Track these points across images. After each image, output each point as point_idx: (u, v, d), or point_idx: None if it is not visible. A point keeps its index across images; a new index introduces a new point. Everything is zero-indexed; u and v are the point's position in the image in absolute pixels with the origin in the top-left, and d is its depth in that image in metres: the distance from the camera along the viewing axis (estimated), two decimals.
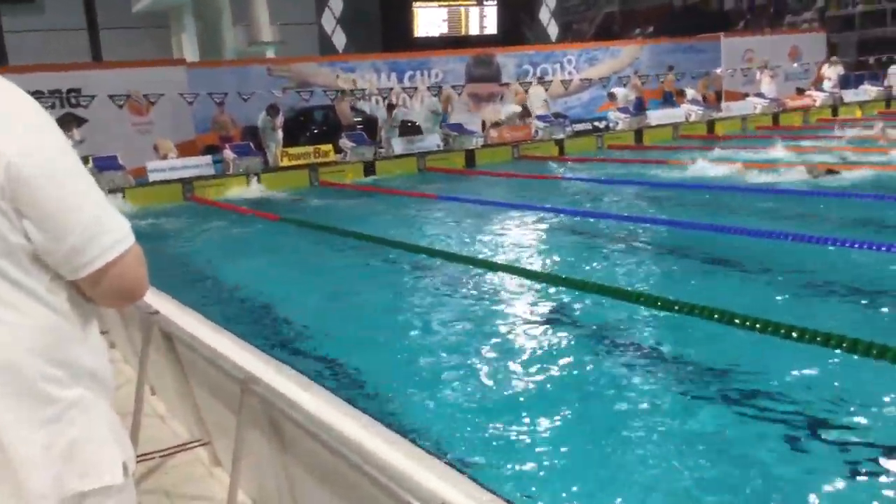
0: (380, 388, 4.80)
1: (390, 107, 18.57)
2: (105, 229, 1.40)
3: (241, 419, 2.70)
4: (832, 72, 23.65)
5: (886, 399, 4.11)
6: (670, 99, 21.73)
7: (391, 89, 20.51)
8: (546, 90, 21.81)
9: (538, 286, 6.83)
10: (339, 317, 6.47)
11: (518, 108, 20.29)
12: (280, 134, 17.04)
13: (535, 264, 7.83)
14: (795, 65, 25.41)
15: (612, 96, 21.57)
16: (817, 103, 22.58)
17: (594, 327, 5.70)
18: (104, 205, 1.43)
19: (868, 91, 23.48)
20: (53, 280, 1.41)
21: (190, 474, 3.80)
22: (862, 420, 3.92)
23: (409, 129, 19.14)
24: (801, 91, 24.05)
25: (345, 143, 17.22)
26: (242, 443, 2.75)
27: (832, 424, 3.92)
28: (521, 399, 4.51)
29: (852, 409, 4.04)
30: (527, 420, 4.21)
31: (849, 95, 23.26)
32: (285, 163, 16.37)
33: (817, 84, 23.93)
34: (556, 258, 8.11)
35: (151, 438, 4.21)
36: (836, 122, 19.97)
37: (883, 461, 3.53)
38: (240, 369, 2.75)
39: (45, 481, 1.39)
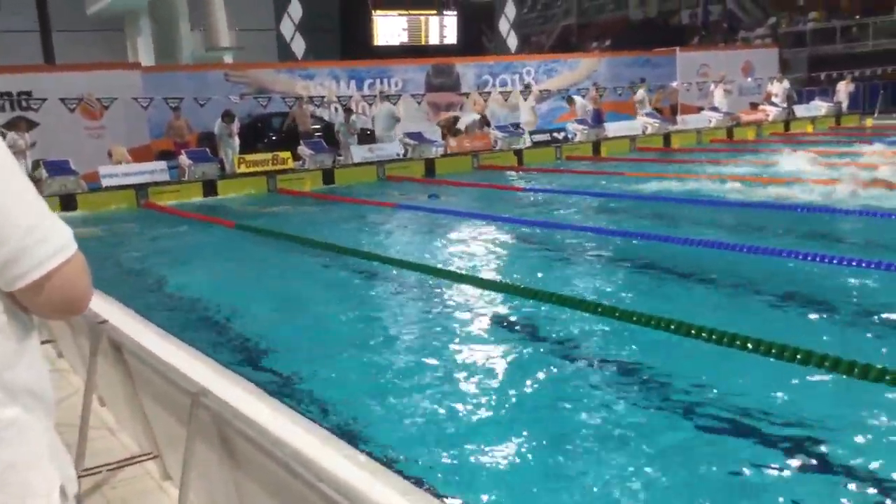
0: (336, 400, 4.74)
1: (347, 111, 18.50)
2: (42, 238, 1.32)
3: (191, 432, 2.63)
4: (778, 88, 24.18)
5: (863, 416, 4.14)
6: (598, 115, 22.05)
7: (350, 97, 20.44)
8: (506, 100, 21.98)
9: (496, 296, 6.83)
10: (295, 327, 6.39)
11: (477, 117, 20.44)
12: (237, 140, 16.89)
13: (493, 274, 7.84)
14: (749, 79, 25.93)
15: (570, 101, 21.82)
16: (770, 118, 23.08)
17: (550, 337, 5.72)
18: (42, 212, 1.35)
19: (819, 107, 24.08)
20: None
21: (139, 488, 3.70)
22: (824, 435, 3.96)
23: (368, 138, 19.10)
24: (754, 105, 24.55)
25: (304, 150, 17.10)
26: (192, 456, 2.69)
27: (791, 439, 3.96)
28: (480, 412, 4.49)
29: (808, 422, 4.09)
30: (485, 434, 4.18)
31: (800, 111, 23.83)
32: (243, 170, 16.19)
33: (768, 99, 24.47)
34: (514, 268, 8.14)
35: (100, 451, 4.10)
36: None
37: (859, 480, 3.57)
38: (189, 381, 2.68)
39: None
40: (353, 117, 18.20)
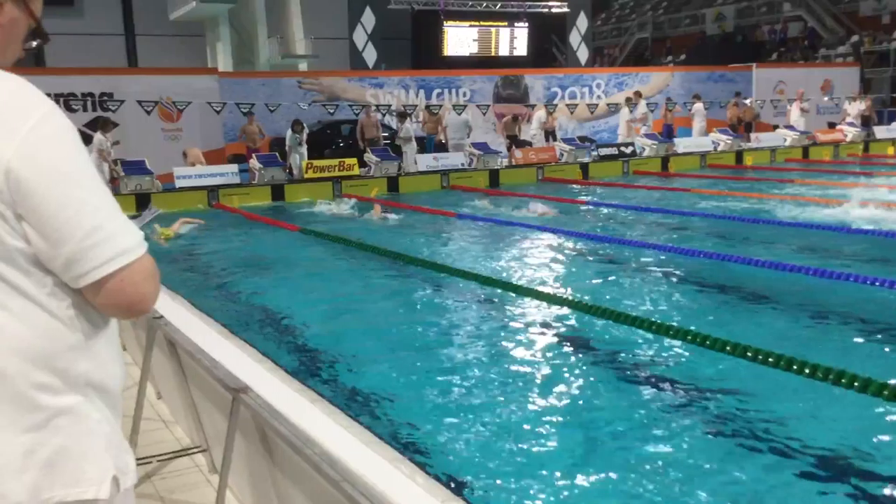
0: (388, 406, 4.76)
1: (402, 116, 18.63)
2: (104, 240, 1.34)
3: (231, 428, 2.70)
4: (854, 108, 23.35)
5: None
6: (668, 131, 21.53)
7: (416, 106, 20.62)
8: (571, 113, 21.83)
9: (556, 310, 6.78)
10: (352, 332, 6.46)
11: (544, 123, 20.38)
12: (305, 148, 17.23)
13: (551, 287, 7.78)
14: (826, 98, 25.18)
15: (638, 94, 21.56)
16: (848, 138, 22.35)
17: (606, 352, 5.64)
18: (109, 214, 1.37)
19: None
20: (57, 285, 1.37)
21: (187, 480, 3.80)
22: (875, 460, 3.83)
23: (422, 145, 19.14)
24: (832, 125, 23.82)
25: (370, 157, 17.32)
26: (231, 452, 2.75)
27: (847, 464, 3.83)
28: (526, 426, 4.41)
29: (868, 449, 3.95)
30: (530, 447, 4.13)
31: (881, 132, 23.00)
32: (310, 175, 16.48)
33: (845, 119, 23.72)
34: (574, 282, 8.05)
35: (153, 442, 4.23)
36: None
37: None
38: (233, 378, 2.75)
39: (21, 488, 1.35)
40: (406, 124, 18.33)
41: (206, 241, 11.29)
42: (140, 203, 14.20)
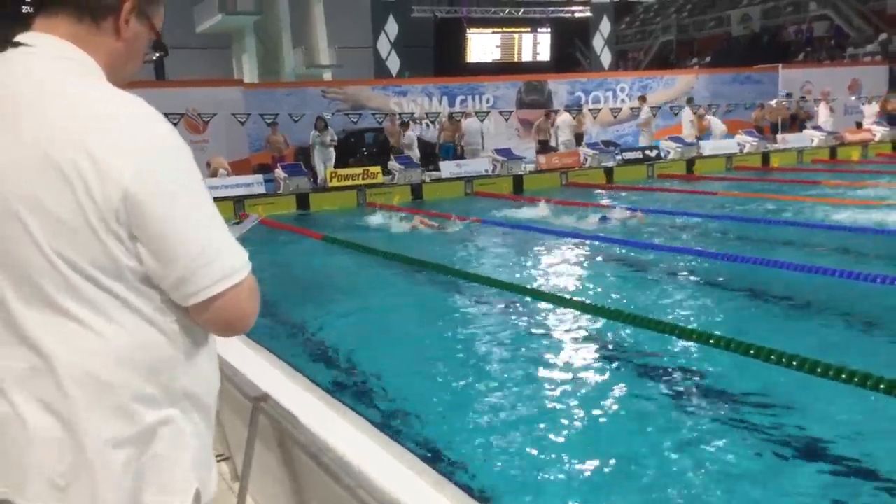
0: (414, 415, 4.77)
1: (403, 125, 18.69)
2: (213, 261, 1.37)
3: (251, 436, 2.73)
4: (870, 109, 22.95)
5: None
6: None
7: (438, 113, 20.69)
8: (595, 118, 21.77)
9: (582, 316, 6.75)
10: (376, 340, 6.50)
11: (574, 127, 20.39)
12: (332, 152, 17.27)
13: (579, 292, 7.76)
14: (853, 98, 24.85)
15: (642, 99, 21.50)
16: (877, 137, 22.04)
17: (632, 358, 5.61)
18: (219, 234, 1.40)
19: None
20: (164, 301, 1.40)
21: None
22: None
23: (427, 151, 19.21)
24: (859, 125, 23.49)
25: (394, 165, 17.40)
26: (251, 460, 2.78)
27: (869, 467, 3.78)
28: (555, 437, 4.38)
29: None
30: (556, 456, 4.11)
31: None
32: (334, 183, 16.60)
33: (878, 117, 23.39)
34: (600, 288, 8.02)
35: None
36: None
37: None
38: (252, 386, 2.79)
39: (119, 496, 1.38)
40: (409, 132, 18.39)
41: None
42: None
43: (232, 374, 3.08)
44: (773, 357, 4.90)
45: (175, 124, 17.07)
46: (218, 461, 4.04)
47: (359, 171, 17.14)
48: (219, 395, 3.42)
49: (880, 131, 22.21)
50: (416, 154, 18.15)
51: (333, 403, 3.11)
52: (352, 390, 5.20)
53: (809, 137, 21.59)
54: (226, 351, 3.50)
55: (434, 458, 4.05)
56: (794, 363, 4.73)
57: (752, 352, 4.97)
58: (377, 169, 17.21)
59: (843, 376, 4.48)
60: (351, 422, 2.80)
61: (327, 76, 29.63)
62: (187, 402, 1.45)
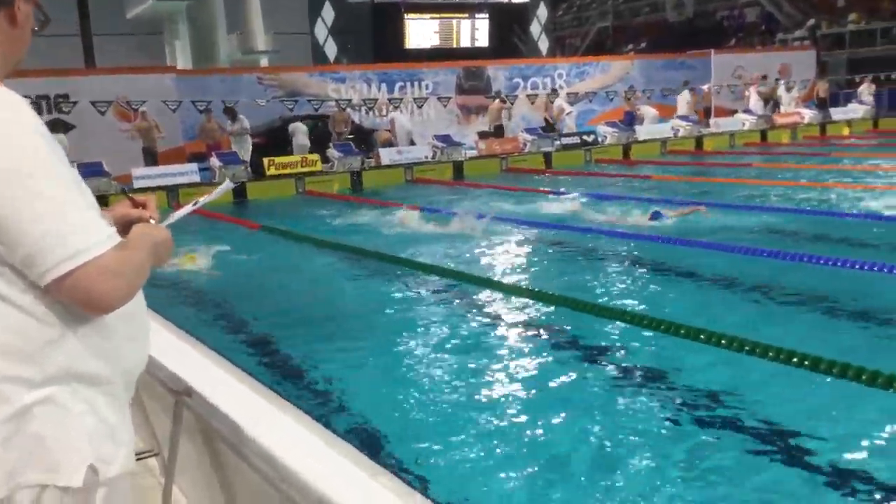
0: (349, 403, 4.74)
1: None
2: (55, 243, 1.37)
3: (175, 431, 2.67)
4: (756, 92, 23.14)
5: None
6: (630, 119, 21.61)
7: (375, 100, 20.57)
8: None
9: (521, 301, 6.79)
10: (312, 327, 6.44)
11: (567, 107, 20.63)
12: (248, 140, 16.87)
13: (518, 278, 7.81)
14: (782, 82, 25.49)
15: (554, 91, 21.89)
16: (805, 120, 22.69)
17: (578, 345, 5.63)
18: (62, 216, 1.39)
19: (856, 109, 23.61)
20: (31, 283, 1.40)
21: (139, 485, 3.75)
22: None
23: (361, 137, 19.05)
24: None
25: (332, 153, 17.22)
26: (176, 455, 2.72)
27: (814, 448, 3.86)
28: (495, 424, 4.35)
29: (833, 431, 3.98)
30: (501, 446, 4.09)
31: (837, 114, 23.39)
32: (272, 172, 16.35)
33: (808, 101, 24.07)
34: (538, 271, 8.08)
35: None
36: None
37: None
38: (176, 379, 2.72)
39: None
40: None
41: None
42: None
43: (156, 368, 3.00)
44: (715, 340, 5.03)
45: (103, 113, 16.70)
46: (147, 456, 3.96)
47: (297, 159, 16.92)
48: (144, 390, 3.33)
49: (808, 114, 22.86)
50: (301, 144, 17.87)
51: (265, 394, 3.05)
52: (286, 381, 5.14)
53: (741, 121, 22.11)
54: (152, 342, 3.42)
55: (372, 448, 4.03)
56: (735, 345, 4.86)
57: (702, 337, 5.09)
58: (315, 157, 17.02)
59: (782, 356, 4.61)
60: (282, 413, 2.75)
61: (264, 62, 29.14)
62: (74, 380, 1.45)
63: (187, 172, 15.88)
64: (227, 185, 2.10)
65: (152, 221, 1.66)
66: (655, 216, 9.94)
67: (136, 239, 1.55)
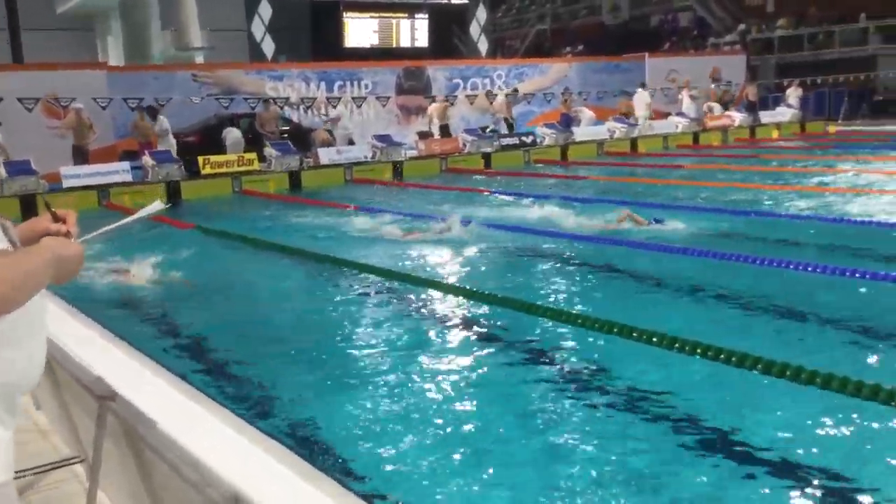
0: (282, 402, 4.70)
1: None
2: None
3: (99, 437, 2.61)
4: (688, 96, 23.66)
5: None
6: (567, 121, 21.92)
7: (314, 99, 20.40)
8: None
9: (458, 300, 6.83)
10: (245, 327, 6.36)
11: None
12: (171, 139, 16.47)
13: (455, 278, 7.84)
14: (713, 86, 26.17)
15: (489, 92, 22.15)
16: (736, 123, 23.32)
17: (512, 342, 5.67)
18: None
19: (784, 112, 24.36)
20: None
21: (65, 492, 3.66)
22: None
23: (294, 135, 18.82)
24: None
25: (270, 151, 17.00)
26: (100, 460, 2.66)
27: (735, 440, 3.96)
28: (424, 419, 4.37)
29: (761, 425, 4.10)
30: (433, 441, 4.11)
31: (766, 117, 24.10)
32: (207, 171, 16.07)
33: (738, 104, 24.74)
34: (473, 272, 8.12)
35: (29, 454, 4.05)
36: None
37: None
38: (100, 384, 2.66)
39: None
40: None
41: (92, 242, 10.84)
42: (25, 206, 13.55)
43: (80, 373, 2.92)
44: (653, 339, 5.10)
45: (30, 110, 16.17)
46: (73, 464, 3.87)
47: (233, 157, 16.66)
48: (69, 395, 3.24)
49: (739, 117, 23.51)
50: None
51: (195, 396, 3.01)
52: (220, 384, 5.06)
53: (674, 124, 22.61)
54: (75, 345, 3.34)
55: (308, 450, 4.00)
56: (676, 345, 4.94)
57: (634, 335, 5.15)
58: (252, 156, 16.79)
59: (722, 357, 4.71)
60: (211, 416, 2.72)
61: (199, 59, 28.62)
62: None
63: (119, 171, 15.49)
64: (156, 206, 2.04)
65: (72, 237, 1.63)
66: (656, 221, 9.80)
67: (34, 249, 1.52)
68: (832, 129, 23.99)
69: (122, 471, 2.91)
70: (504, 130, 20.70)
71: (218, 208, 14.14)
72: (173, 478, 2.16)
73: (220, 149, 17.31)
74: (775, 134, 23.22)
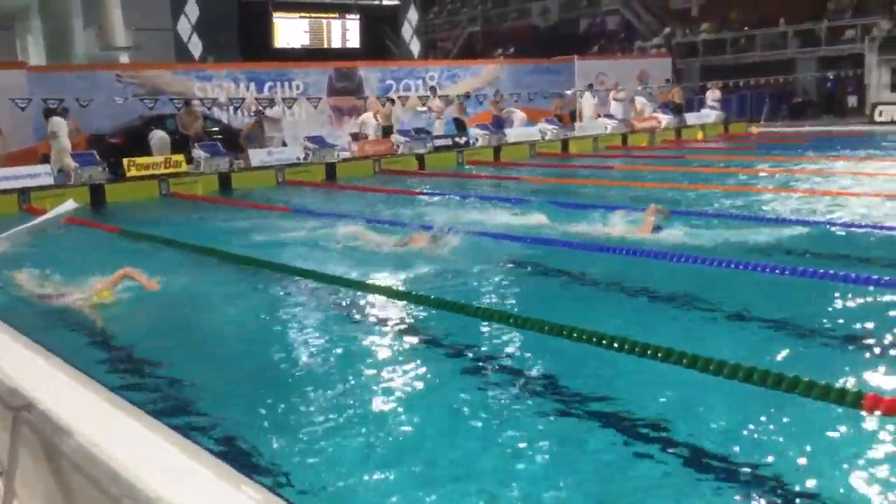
0: (213, 411, 4.58)
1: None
2: None
3: (13, 448, 2.50)
4: (618, 97, 24.37)
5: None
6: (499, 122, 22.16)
7: (243, 99, 20.10)
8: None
9: (393, 303, 6.79)
10: (170, 332, 6.22)
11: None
12: (66, 140, 15.81)
13: (387, 280, 7.79)
14: (640, 87, 26.74)
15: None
16: (662, 125, 23.88)
17: (450, 345, 5.66)
18: None
19: (708, 115, 25.06)
20: None
21: None
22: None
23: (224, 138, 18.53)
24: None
25: (198, 153, 16.67)
26: (14, 473, 2.55)
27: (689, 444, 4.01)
28: (366, 431, 4.26)
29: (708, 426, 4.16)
30: (359, 442, 4.07)
31: (691, 118, 24.75)
32: (133, 173, 15.66)
33: (663, 107, 25.35)
34: (410, 274, 8.08)
35: None
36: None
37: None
38: (15, 394, 2.56)
39: None
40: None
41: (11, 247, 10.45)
42: None
43: None
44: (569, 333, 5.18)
45: None
46: None
47: (160, 159, 16.28)
48: None
49: (665, 119, 24.08)
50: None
51: (118, 403, 2.92)
52: (138, 388, 4.92)
53: (603, 125, 23.03)
54: None
55: (238, 458, 3.91)
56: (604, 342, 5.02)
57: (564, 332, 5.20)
58: (180, 157, 16.42)
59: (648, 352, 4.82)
60: (137, 423, 2.64)
61: (124, 59, 27.87)
62: None
63: (40, 174, 14.96)
64: (69, 205, 1.97)
65: None
66: (656, 229, 9.49)
67: None
68: (754, 130, 24.78)
69: (39, 482, 2.80)
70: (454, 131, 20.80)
71: (144, 212, 13.79)
72: (91, 489, 2.08)
73: (145, 150, 16.88)
74: (700, 135, 23.87)
